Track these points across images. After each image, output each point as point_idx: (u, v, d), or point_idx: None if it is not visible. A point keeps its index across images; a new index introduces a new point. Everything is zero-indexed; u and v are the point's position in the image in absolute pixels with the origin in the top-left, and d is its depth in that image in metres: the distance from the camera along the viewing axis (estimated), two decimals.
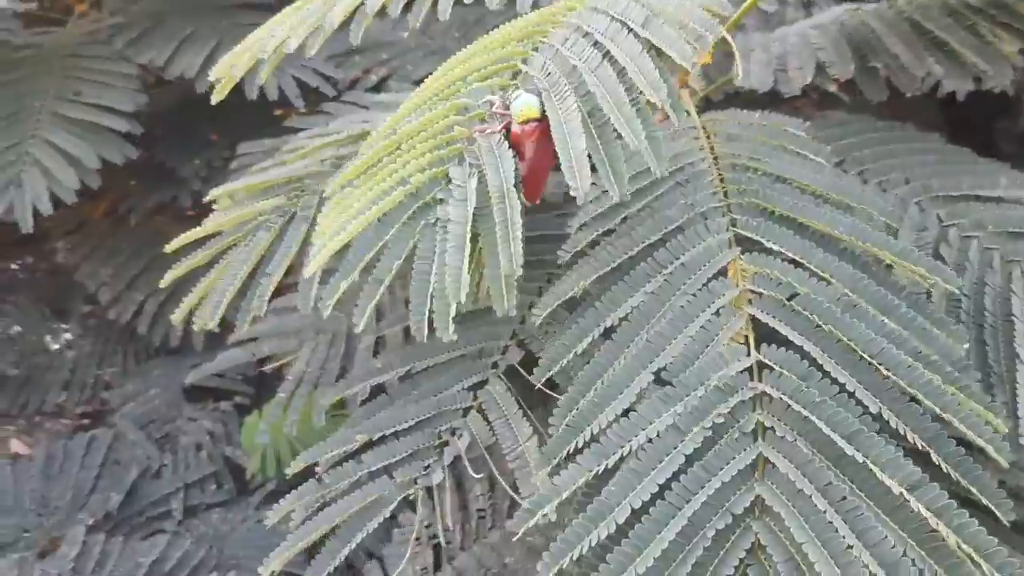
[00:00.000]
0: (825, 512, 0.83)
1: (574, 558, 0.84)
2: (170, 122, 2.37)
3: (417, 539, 1.29)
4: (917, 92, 1.40)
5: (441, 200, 0.85)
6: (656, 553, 0.83)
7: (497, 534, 1.41)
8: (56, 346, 2.51)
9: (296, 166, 1.37)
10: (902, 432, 0.87)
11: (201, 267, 1.32)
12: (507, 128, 0.89)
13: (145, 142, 2.12)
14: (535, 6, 1.22)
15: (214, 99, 1.30)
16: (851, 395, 0.88)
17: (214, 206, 1.39)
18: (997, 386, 1.08)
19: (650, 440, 0.87)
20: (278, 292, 1.29)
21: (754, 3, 1.23)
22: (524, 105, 0.88)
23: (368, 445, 1.20)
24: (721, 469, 0.85)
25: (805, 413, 0.86)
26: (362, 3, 1.25)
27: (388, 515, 1.14)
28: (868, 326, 0.92)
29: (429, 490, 1.16)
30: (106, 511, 1.95)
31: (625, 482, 0.85)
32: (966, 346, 0.96)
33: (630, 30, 0.92)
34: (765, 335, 0.94)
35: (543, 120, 0.89)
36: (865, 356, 0.90)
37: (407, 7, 1.26)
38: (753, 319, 0.95)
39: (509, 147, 0.88)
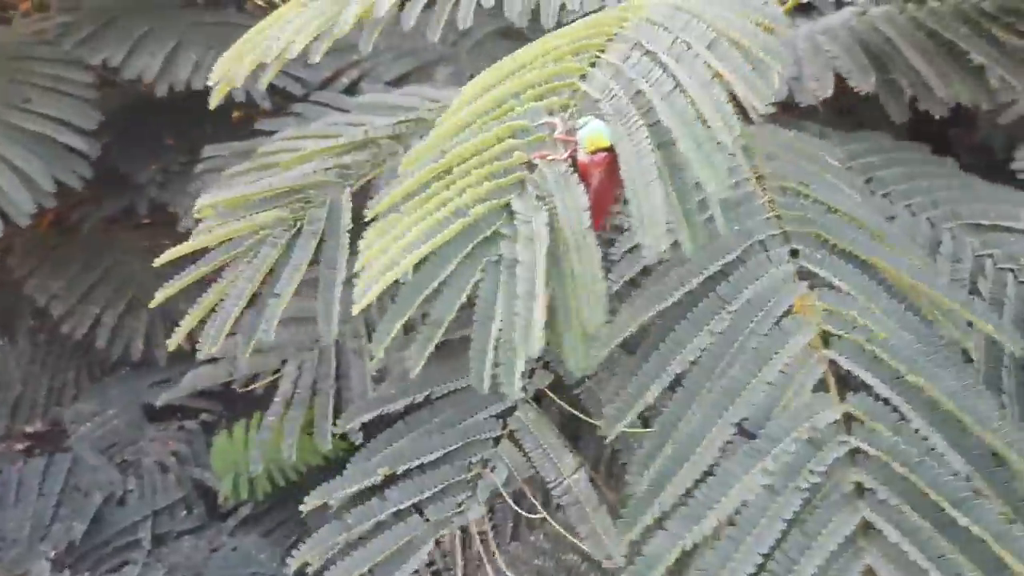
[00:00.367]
0: None
1: None
2: (120, 125, 2.19)
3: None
4: (944, 115, 1.34)
5: (504, 235, 0.74)
6: None
7: None
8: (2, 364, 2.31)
9: (294, 174, 1.24)
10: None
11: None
12: (573, 156, 0.79)
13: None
14: (559, 24, 1.11)
15: (212, 103, 1.19)
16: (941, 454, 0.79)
17: (196, 215, 1.24)
18: None
19: (745, 503, 0.78)
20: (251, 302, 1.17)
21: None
22: (594, 133, 0.78)
23: (390, 479, 1.10)
24: (823, 535, 0.76)
25: (906, 473, 0.77)
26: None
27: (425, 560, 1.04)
28: (949, 377, 0.83)
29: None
30: (69, 542, 1.79)
31: (724, 553, 0.75)
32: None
33: (697, 54, 0.82)
34: (844, 383, 0.85)
35: (612, 150, 0.78)
36: (953, 411, 0.81)
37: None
38: (832, 364, 0.86)
39: (576, 177, 0.77)
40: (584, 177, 0.79)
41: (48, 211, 2.28)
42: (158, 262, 1.18)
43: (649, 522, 0.80)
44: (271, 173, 1.28)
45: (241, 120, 2.16)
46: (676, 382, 0.88)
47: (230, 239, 1.17)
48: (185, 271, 1.16)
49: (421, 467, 1.09)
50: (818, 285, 0.92)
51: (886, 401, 0.82)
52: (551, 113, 0.81)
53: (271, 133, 1.66)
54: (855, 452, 0.80)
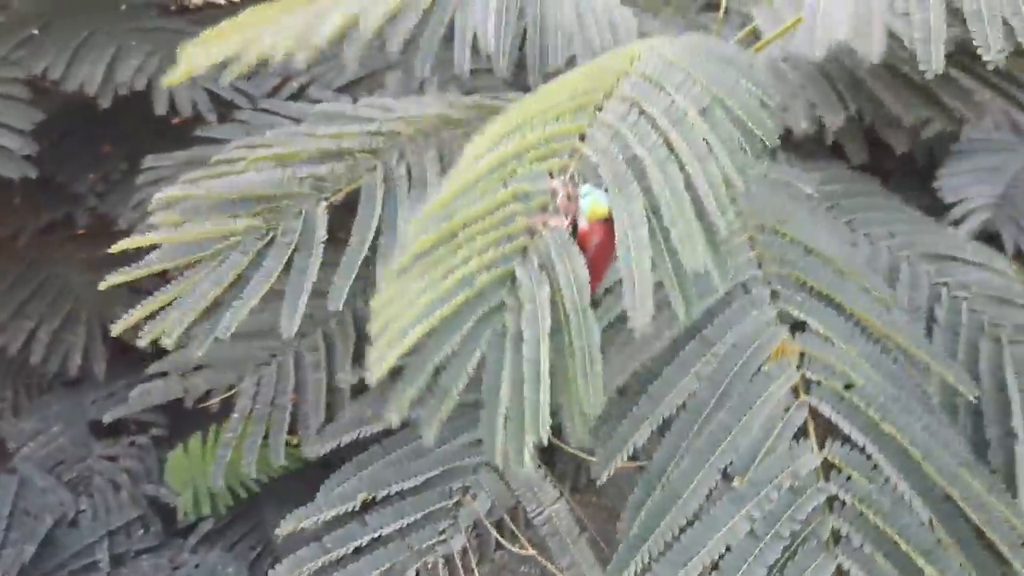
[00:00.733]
0: None
1: None
2: (55, 133, 2.06)
3: None
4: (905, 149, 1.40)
5: (507, 306, 0.76)
6: None
7: None
8: None
9: (264, 179, 1.23)
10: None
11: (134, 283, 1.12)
12: (574, 222, 0.81)
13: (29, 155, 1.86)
14: (545, 79, 1.13)
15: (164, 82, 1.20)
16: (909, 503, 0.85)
17: (151, 209, 1.22)
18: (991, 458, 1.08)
19: (728, 548, 0.82)
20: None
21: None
22: (595, 203, 0.80)
23: (369, 503, 1.12)
24: None
25: (879, 524, 0.82)
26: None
27: None
28: (917, 425, 0.89)
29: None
30: (20, 566, 1.76)
31: None
32: None
33: (691, 123, 0.85)
34: (822, 428, 0.90)
35: (611, 217, 0.81)
36: (919, 459, 0.86)
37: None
38: (812, 410, 0.91)
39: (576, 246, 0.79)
40: (583, 242, 0.81)
41: None
42: (115, 248, 1.14)
43: (639, 567, 0.84)
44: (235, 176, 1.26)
45: (183, 127, 2.10)
46: (665, 426, 0.92)
47: (198, 241, 1.16)
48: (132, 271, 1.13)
49: (401, 492, 1.11)
50: (798, 329, 0.97)
51: (862, 449, 0.87)
52: (551, 175, 0.83)
53: (215, 141, 1.66)
54: (832, 500, 0.85)
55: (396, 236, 1.18)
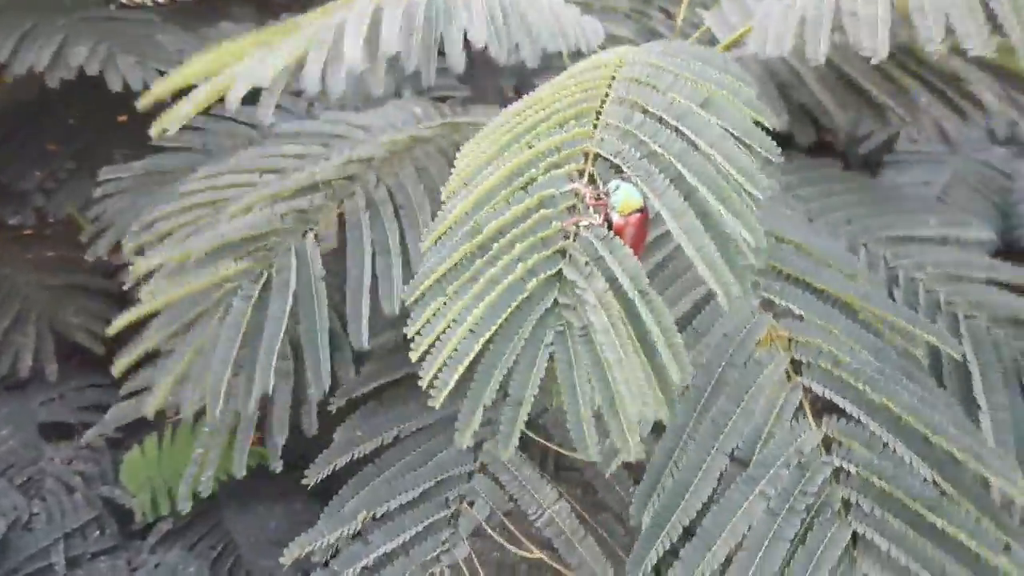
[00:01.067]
0: None
1: None
2: None
3: None
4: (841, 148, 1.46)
5: (565, 304, 0.76)
6: None
7: None
8: None
9: (245, 222, 1.22)
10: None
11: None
12: (608, 219, 0.82)
13: None
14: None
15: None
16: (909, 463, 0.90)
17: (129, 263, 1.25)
18: None
19: (750, 527, 0.87)
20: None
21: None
22: (627, 196, 0.82)
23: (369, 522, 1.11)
24: (823, 551, 0.86)
25: (884, 487, 0.88)
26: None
27: None
28: (904, 392, 0.95)
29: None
30: None
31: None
32: None
33: (698, 115, 0.87)
34: (817, 405, 0.95)
35: (643, 210, 0.82)
36: (912, 423, 0.92)
37: None
38: (806, 389, 0.96)
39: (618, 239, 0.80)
40: (619, 235, 0.81)
41: None
42: (111, 330, 1.18)
43: (659, 555, 0.87)
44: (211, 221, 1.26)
45: (128, 122, 2.05)
46: None
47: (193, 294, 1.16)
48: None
49: (400, 507, 1.10)
50: (781, 315, 1.02)
51: (858, 420, 0.93)
52: (571, 179, 0.84)
53: (170, 150, 1.62)
54: (838, 471, 0.91)
55: (392, 258, 1.19)
